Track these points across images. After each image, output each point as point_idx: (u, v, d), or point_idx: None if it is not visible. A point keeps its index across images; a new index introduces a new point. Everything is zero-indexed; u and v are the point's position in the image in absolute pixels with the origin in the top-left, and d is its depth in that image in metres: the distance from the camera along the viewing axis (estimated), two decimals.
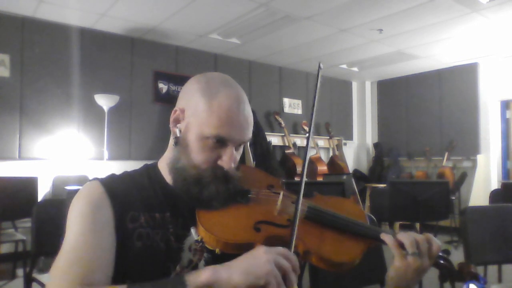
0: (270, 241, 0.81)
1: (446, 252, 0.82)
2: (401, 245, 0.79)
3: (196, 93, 0.86)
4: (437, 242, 0.79)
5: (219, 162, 0.85)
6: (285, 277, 0.69)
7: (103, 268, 0.77)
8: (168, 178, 0.90)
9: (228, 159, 0.85)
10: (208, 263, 0.86)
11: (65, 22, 4.63)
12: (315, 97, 0.91)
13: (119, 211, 0.83)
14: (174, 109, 0.90)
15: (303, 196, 0.84)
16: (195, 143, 0.85)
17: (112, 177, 0.91)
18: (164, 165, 0.92)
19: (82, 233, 0.78)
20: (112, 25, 4.76)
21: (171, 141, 0.91)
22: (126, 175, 0.92)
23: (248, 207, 0.88)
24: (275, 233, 0.82)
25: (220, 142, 0.84)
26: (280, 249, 0.72)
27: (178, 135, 0.88)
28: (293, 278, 0.69)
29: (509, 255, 2.13)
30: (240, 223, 0.84)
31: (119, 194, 0.85)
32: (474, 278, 0.77)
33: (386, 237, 0.80)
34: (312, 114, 0.91)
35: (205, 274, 0.69)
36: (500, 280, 2.48)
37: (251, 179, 0.95)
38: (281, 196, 0.89)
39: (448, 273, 0.80)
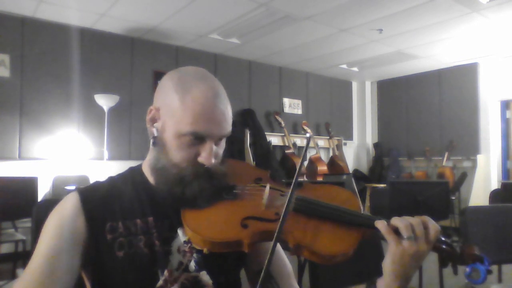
0: (259, 237, 0.79)
1: (447, 235, 0.78)
2: (395, 230, 0.75)
3: (169, 90, 0.83)
4: (435, 225, 0.75)
5: (199, 159, 0.82)
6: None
7: None
8: (151, 179, 0.89)
9: (208, 155, 0.82)
10: (198, 263, 0.84)
11: (65, 22, 4.62)
12: (302, 162, 0.89)
13: (95, 224, 0.82)
14: (150, 108, 0.87)
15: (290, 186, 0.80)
16: (172, 141, 0.82)
17: (93, 187, 0.89)
18: (147, 167, 0.90)
19: (46, 254, 0.77)
20: (112, 25, 4.76)
21: (151, 141, 0.89)
22: (108, 182, 0.91)
23: (234, 203, 0.84)
24: (263, 228, 0.79)
25: (198, 139, 0.81)
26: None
27: (155, 134, 0.86)
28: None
29: (509, 255, 2.13)
30: (226, 220, 0.81)
31: (96, 206, 0.84)
32: (478, 260, 0.73)
33: (378, 223, 0.77)
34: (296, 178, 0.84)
35: None
36: (500, 280, 2.48)
37: (238, 173, 0.92)
38: (267, 189, 0.85)
39: (450, 257, 0.76)
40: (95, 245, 0.81)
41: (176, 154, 0.82)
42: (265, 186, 0.87)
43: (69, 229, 0.80)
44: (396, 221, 0.75)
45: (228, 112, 0.85)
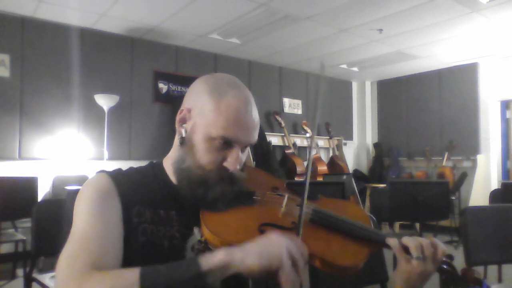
0: None
1: (450, 257, 0.82)
2: (405, 249, 0.79)
3: (204, 94, 0.86)
4: (442, 246, 0.80)
5: (225, 164, 0.85)
6: (295, 264, 0.69)
7: (113, 253, 0.77)
8: (172, 177, 0.90)
9: (234, 161, 0.84)
10: None
11: (65, 22, 4.63)
12: (318, 96, 0.91)
13: (126, 204, 0.84)
14: (181, 108, 0.89)
15: (307, 199, 0.84)
16: (201, 143, 0.84)
17: (119, 171, 0.91)
18: (168, 165, 0.92)
19: (91, 220, 0.78)
20: (112, 25, 4.76)
21: (176, 141, 0.91)
22: (132, 170, 0.92)
23: (252, 209, 0.87)
24: None
25: (227, 144, 0.84)
26: (293, 238, 0.73)
27: (183, 135, 0.88)
28: (302, 266, 0.70)
29: (509, 255, 2.13)
30: (244, 225, 0.83)
31: (126, 188, 0.85)
32: (478, 283, 0.77)
33: (391, 241, 0.81)
34: (315, 117, 0.90)
35: (219, 255, 0.69)
36: (500, 280, 2.47)
37: (256, 181, 0.95)
38: (286, 199, 0.89)
39: (451, 278, 0.80)
40: (123, 224, 0.82)
41: (204, 156, 0.85)
42: (282, 195, 0.91)
43: (108, 200, 0.82)
44: (407, 240, 0.80)
45: (257, 122, 0.88)
